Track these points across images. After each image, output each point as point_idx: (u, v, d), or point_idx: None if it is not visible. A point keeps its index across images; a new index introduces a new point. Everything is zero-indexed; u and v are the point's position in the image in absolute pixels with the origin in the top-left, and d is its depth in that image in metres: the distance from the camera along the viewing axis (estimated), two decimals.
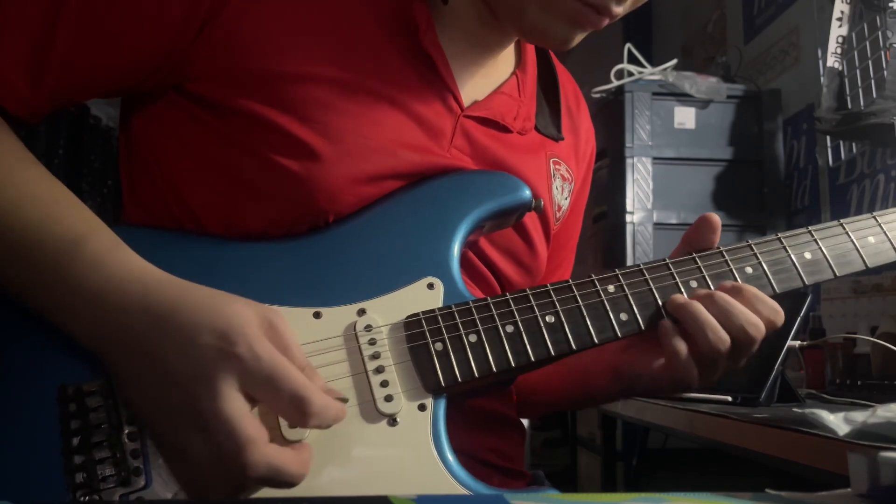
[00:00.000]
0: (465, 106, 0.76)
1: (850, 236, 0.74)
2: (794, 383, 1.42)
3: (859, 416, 0.92)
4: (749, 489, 0.50)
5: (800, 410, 1.07)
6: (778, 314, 0.68)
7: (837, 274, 0.73)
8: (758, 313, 0.68)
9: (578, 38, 0.72)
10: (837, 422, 0.92)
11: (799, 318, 1.35)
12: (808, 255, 0.72)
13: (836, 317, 1.93)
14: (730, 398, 1.35)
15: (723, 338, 0.66)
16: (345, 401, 0.59)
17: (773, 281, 0.71)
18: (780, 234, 0.73)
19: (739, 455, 1.14)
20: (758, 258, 0.72)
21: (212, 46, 0.67)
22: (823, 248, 0.73)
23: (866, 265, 0.74)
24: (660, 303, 0.68)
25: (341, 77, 0.69)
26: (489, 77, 0.79)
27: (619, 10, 0.70)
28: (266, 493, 0.55)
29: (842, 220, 0.75)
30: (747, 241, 0.73)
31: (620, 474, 2.41)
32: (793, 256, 0.72)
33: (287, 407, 0.54)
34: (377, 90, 0.70)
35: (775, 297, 0.71)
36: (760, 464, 1.08)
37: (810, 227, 0.74)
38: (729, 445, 1.17)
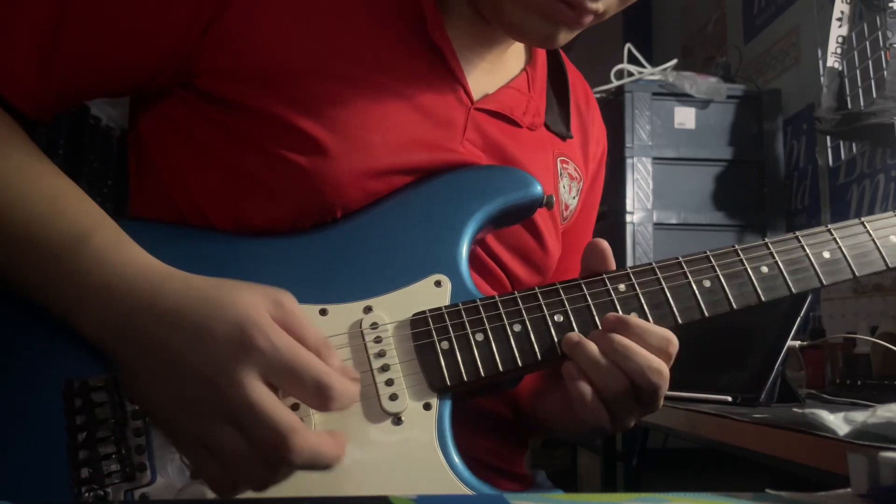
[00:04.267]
0: (475, 99, 0.75)
1: (871, 235, 0.71)
2: (794, 383, 1.42)
3: (859, 416, 0.92)
4: (749, 489, 0.50)
5: (800, 410, 1.07)
6: (670, 343, 0.63)
7: (857, 274, 0.70)
8: (649, 347, 0.62)
9: (564, 36, 0.71)
10: (837, 422, 0.92)
11: (799, 318, 1.35)
12: (826, 255, 0.70)
13: (836, 317, 1.93)
14: (730, 398, 1.35)
15: (618, 377, 0.62)
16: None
17: (789, 281, 0.68)
18: (798, 233, 0.71)
19: (739, 455, 1.14)
20: (774, 257, 0.69)
21: (218, 44, 0.67)
22: (843, 248, 0.70)
23: (887, 265, 0.71)
24: (556, 339, 0.65)
25: (348, 71, 0.69)
26: (498, 72, 0.79)
27: (597, 6, 0.68)
28: (266, 492, 0.56)
29: (863, 219, 0.72)
30: (764, 240, 0.70)
31: (620, 474, 2.40)
32: (811, 255, 0.69)
33: (310, 394, 0.54)
34: (385, 84, 0.70)
35: (791, 297, 0.69)
36: (760, 464, 1.08)
37: (830, 226, 0.71)
38: (729, 445, 1.17)
